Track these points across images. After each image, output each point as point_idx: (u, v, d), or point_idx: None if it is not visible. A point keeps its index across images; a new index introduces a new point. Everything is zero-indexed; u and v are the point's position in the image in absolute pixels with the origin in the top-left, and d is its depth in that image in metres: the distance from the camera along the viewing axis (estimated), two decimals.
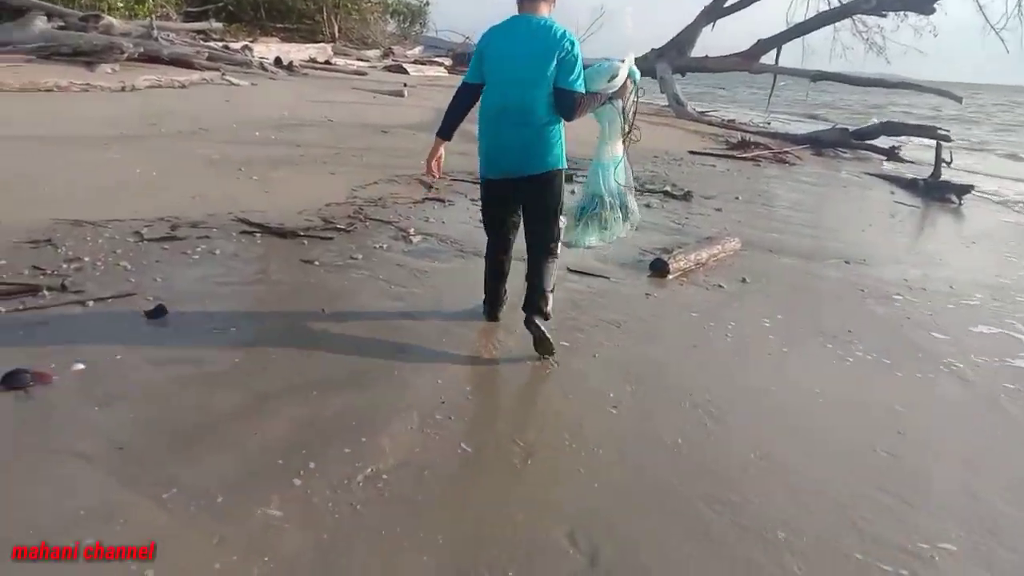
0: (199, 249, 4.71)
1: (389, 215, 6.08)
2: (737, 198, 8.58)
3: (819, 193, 9.88)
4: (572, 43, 3.50)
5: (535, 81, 3.50)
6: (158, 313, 3.71)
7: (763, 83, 25.27)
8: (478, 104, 3.73)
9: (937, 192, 10.42)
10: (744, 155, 12.26)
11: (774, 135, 16.04)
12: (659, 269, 5.33)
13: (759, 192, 9.21)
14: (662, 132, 15.18)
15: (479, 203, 4.10)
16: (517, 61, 3.52)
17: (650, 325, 4.38)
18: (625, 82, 3.90)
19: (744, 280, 5.43)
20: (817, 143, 14.89)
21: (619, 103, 4.02)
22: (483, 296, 4.07)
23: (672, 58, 21.46)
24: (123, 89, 11.23)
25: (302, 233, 5.26)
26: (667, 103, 21.29)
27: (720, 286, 5.24)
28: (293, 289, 4.27)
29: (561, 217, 3.78)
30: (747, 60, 20.22)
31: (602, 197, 4.15)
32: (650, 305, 4.73)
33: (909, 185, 10.95)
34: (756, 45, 20.05)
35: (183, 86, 12.31)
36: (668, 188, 8.46)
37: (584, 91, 3.56)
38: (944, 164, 11.10)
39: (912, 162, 14.18)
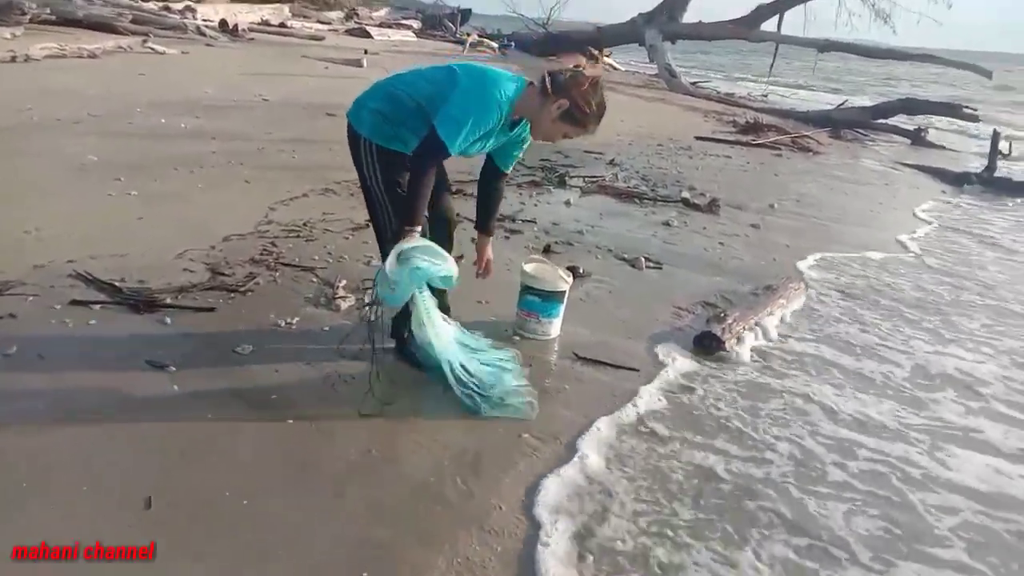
0: None
1: (313, 253, 4.26)
2: (772, 206, 6.84)
3: (863, 194, 8.15)
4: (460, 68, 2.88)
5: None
6: None
7: (749, 51, 23.45)
8: None
9: (999, 191, 8.75)
10: (760, 142, 10.48)
11: (784, 114, 14.27)
12: (707, 348, 3.59)
13: (795, 196, 7.46)
14: (657, 110, 13.41)
15: None
16: None
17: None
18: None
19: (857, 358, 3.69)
20: (833, 123, 13.15)
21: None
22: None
23: (662, 24, 19.63)
24: (13, 60, 9.21)
25: (168, 302, 3.43)
26: (657, 73, 19.51)
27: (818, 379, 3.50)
28: (107, 440, 2.45)
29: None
30: (746, 27, 18.37)
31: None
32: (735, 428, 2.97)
33: (958, 180, 9.26)
34: (755, 11, 18.23)
35: (93, 56, 10.29)
36: (687, 195, 6.68)
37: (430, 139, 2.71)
38: (1001, 156, 9.42)
39: (943, 147, 12.50)
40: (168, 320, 3.26)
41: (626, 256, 4.83)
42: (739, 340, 3.71)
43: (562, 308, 3.53)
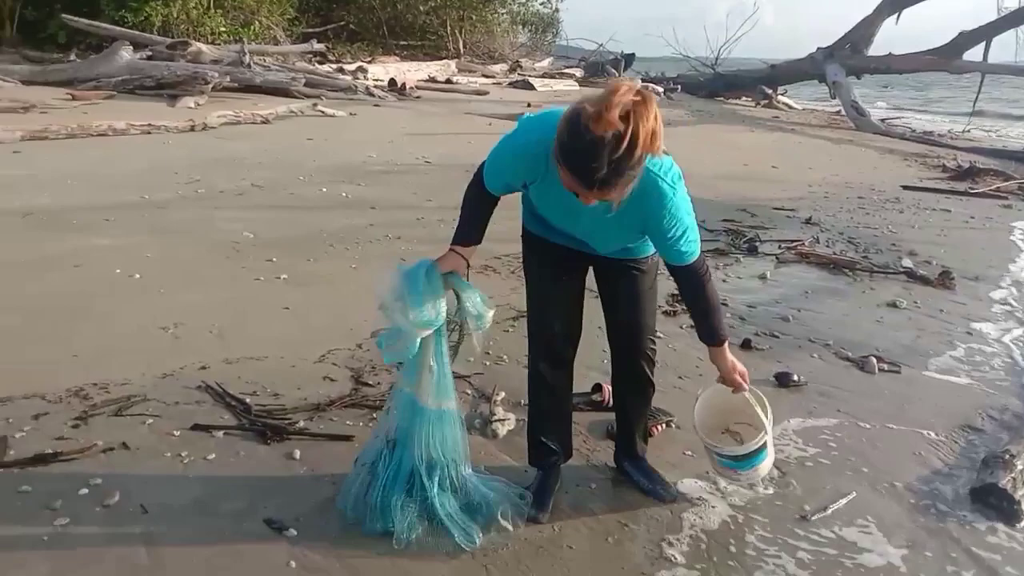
0: (84, 491, 2.41)
1: (468, 352, 3.62)
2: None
3: None
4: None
5: None
6: None
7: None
8: None
9: None
10: (981, 190, 9.01)
11: (998, 154, 12.50)
12: (995, 508, 2.60)
13: None
14: (849, 154, 12.08)
15: None
16: None
17: None
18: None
19: None
20: None
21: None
22: None
23: (844, 58, 18.09)
24: (192, 128, 9.48)
25: (299, 427, 2.89)
26: (840, 111, 17.98)
27: None
28: None
29: None
30: (946, 58, 16.53)
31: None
32: None
33: None
34: (958, 38, 16.34)
35: (265, 121, 10.49)
36: (909, 263, 5.56)
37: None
38: None
39: None
40: (297, 455, 2.70)
41: (850, 354, 3.87)
42: None
43: (768, 453, 2.52)
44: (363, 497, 2.29)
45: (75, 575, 2.06)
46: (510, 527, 2.29)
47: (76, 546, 2.18)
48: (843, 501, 2.61)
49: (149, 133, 9.06)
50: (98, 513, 2.33)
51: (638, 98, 1.74)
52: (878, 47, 18.19)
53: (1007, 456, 2.79)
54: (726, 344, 2.35)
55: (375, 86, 14.81)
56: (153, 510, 2.35)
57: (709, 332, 2.33)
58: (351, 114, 11.82)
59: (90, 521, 2.29)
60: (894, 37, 18.75)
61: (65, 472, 2.52)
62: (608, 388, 3.06)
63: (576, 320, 2.50)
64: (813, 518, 2.51)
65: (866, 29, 18.19)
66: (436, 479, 2.27)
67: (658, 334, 2.66)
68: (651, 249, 2.34)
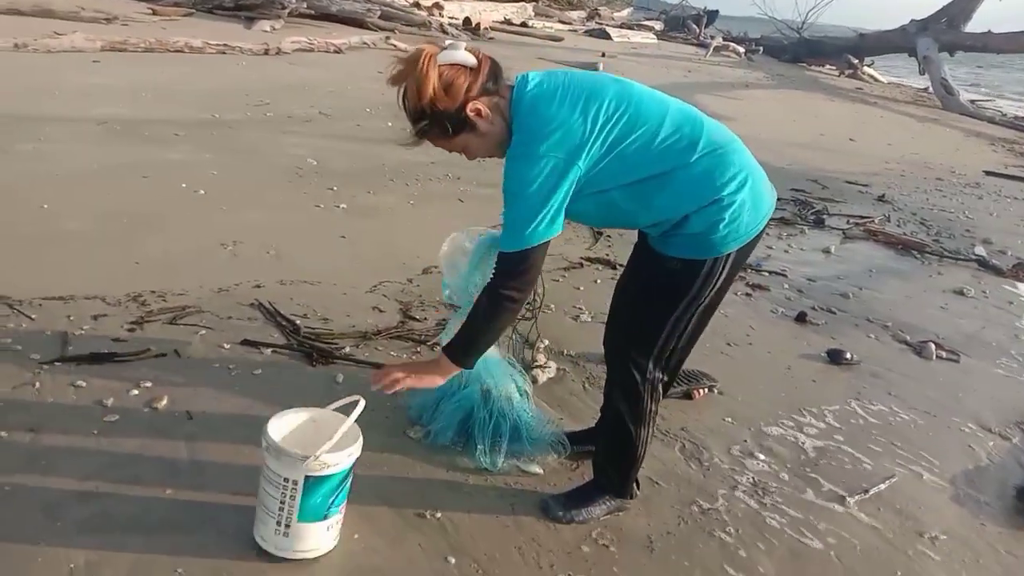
0: (135, 392, 2.50)
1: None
2: None
3: None
4: None
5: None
6: None
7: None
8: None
9: None
10: None
11: None
12: None
13: None
14: (932, 133, 11.59)
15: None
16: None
17: None
18: None
19: None
20: None
21: None
22: None
23: (939, 32, 17.23)
24: (265, 52, 9.54)
25: (345, 352, 2.94)
26: (927, 88, 17.22)
27: None
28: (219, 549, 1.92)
29: None
30: None
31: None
32: None
33: None
34: None
35: (338, 51, 10.49)
36: (981, 251, 5.35)
37: None
38: None
39: None
40: (340, 379, 2.76)
41: (908, 338, 3.76)
42: None
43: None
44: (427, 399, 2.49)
45: (120, 469, 2.14)
46: (537, 466, 2.38)
47: (123, 442, 2.26)
48: (883, 485, 2.56)
49: (224, 53, 9.14)
50: (145, 414, 2.41)
51: (415, 59, 1.84)
52: (976, 24, 17.30)
53: None
54: (438, 359, 2.07)
55: (450, 24, 14.65)
56: (198, 417, 2.43)
57: (452, 338, 2.06)
58: None
59: (137, 421, 2.37)
60: (996, 12, 17.76)
61: (118, 372, 2.60)
62: (702, 390, 2.94)
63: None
64: (852, 500, 2.47)
65: (966, 3, 17.27)
66: (489, 407, 2.39)
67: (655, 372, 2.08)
68: (678, 248, 1.96)
